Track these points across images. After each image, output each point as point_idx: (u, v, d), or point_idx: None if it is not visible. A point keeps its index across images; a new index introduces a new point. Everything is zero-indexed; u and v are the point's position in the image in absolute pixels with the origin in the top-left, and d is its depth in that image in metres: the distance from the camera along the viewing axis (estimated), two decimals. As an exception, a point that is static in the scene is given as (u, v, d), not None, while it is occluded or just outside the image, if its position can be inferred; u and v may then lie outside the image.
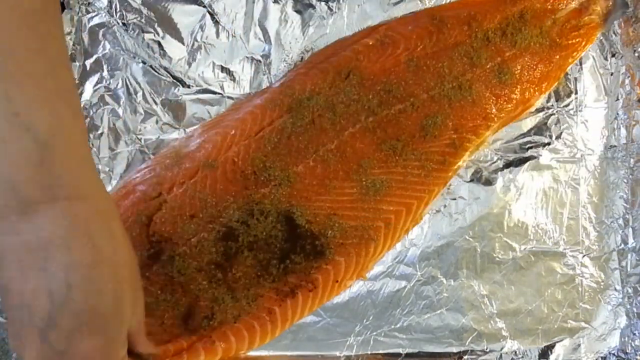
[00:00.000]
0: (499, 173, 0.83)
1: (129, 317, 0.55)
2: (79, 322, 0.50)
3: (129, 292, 0.54)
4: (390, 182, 0.78)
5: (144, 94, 0.82)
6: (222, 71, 0.83)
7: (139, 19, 0.83)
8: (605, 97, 0.85)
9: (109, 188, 0.80)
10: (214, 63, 0.83)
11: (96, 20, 0.83)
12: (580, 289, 0.82)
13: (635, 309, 0.81)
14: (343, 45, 0.83)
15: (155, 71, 0.83)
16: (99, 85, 0.82)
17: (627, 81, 0.85)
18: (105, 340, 0.53)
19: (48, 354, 0.51)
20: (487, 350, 0.80)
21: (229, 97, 0.83)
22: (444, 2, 0.86)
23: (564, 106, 0.85)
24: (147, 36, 0.83)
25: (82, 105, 0.81)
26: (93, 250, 0.51)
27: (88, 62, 0.82)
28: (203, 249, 0.74)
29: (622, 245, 0.82)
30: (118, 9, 0.83)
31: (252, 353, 0.78)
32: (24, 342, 0.51)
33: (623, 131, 0.84)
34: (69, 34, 0.82)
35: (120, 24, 0.83)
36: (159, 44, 0.83)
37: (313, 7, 0.85)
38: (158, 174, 0.77)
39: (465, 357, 0.79)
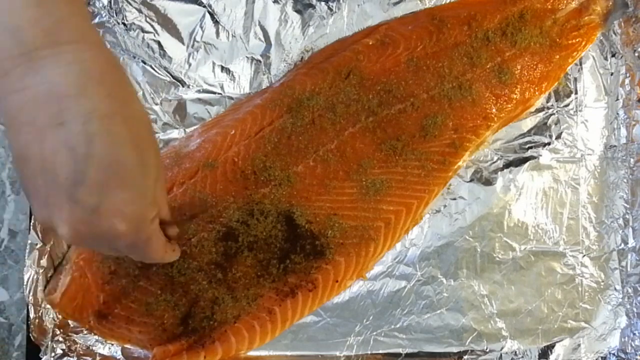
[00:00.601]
0: (499, 173, 0.83)
1: (155, 175, 0.52)
2: (106, 174, 0.47)
3: (150, 147, 0.51)
4: (390, 182, 0.78)
5: (144, 94, 0.82)
6: (222, 71, 0.83)
7: (139, 19, 0.83)
8: (605, 97, 0.85)
9: (109, 188, 0.80)
10: (214, 63, 0.83)
11: (96, 20, 0.83)
12: (580, 289, 0.82)
13: (635, 309, 0.80)
14: (343, 45, 0.83)
15: (155, 71, 0.83)
16: (99, 85, 0.82)
17: (627, 81, 0.85)
18: (135, 193, 0.49)
19: (80, 214, 0.48)
20: (487, 350, 0.80)
21: (229, 97, 0.83)
22: (444, 2, 0.86)
23: (564, 106, 0.85)
24: (147, 36, 0.83)
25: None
26: (108, 99, 0.47)
27: (88, 62, 0.82)
28: (203, 249, 0.74)
29: (622, 245, 0.82)
30: (118, 9, 0.83)
31: (252, 353, 0.78)
32: (52, 210, 0.48)
33: (623, 131, 0.84)
34: (69, 34, 0.82)
35: (120, 24, 0.83)
36: (159, 44, 0.83)
37: (313, 7, 0.85)
38: (158, 174, 0.77)
39: (465, 357, 0.79)
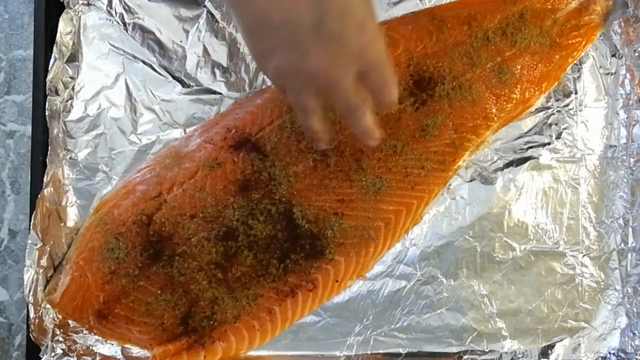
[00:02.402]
0: (499, 173, 0.83)
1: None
2: (341, 5, 0.54)
3: None
4: (390, 182, 0.78)
5: (144, 94, 0.82)
6: (222, 71, 0.83)
7: (139, 19, 0.83)
8: (605, 97, 0.85)
9: (109, 188, 0.80)
10: (214, 63, 0.83)
11: (96, 20, 0.83)
12: (580, 288, 0.82)
13: (635, 309, 0.81)
14: (343, 45, 0.83)
15: (155, 71, 0.83)
16: (99, 85, 0.82)
17: (627, 81, 0.85)
18: (364, 14, 0.57)
19: (328, 44, 0.55)
20: (487, 350, 0.80)
21: (228, 97, 0.83)
22: (444, 2, 0.86)
23: (564, 106, 0.85)
24: (147, 36, 0.83)
25: (82, 105, 0.81)
26: None
27: (88, 62, 0.82)
28: (203, 249, 0.74)
29: (622, 245, 0.82)
30: (118, 9, 0.83)
31: (252, 353, 0.78)
32: (302, 51, 0.56)
33: (623, 131, 0.84)
34: (68, 34, 0.82)
35: (120, 24, 0.83)
36: (159, 43, 0.83)
37: (313, 7, 0.85)
38: (158, 174, 0.77)
39: (465, 357, 0.79)
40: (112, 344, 0.77)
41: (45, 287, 0.76)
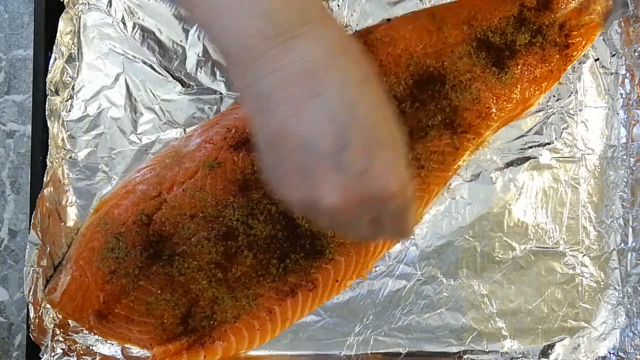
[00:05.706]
0: (499, 173, 0.83)
1: (401, 134, 0.52)
2: (369, 136, 0.48)
3: (391, 107, 0.52)
4: (390, 182, 0.78)
5: (144, 94, 0.82)
6: (222, 71, 0.83)
7: (139, 19, 0.83)
8: (605, 97, 0.85)
9: (109, 188, 0.80)
10: (214, 63, 0.83)
11: (96, 20, 0.83)
12: (580, 288, 0.82)
13: (635, 309, 0.81)
14: (343, 45, 0.83)
15: (155, 71, 0.83)
16: (98, 85, 0.82)
17: (627, 81, 0.85)
18: (397, 153, 0.50)
19: (348, 179, 0.48)
20: (487, 350, 0.80)
21: (228, 97, 0.83)
22: (443, 2, 0.86)
23: (563, 106, 0.85)
24: (147, 36, 0.83)
25: (82, 105, 0.81)
26: (357, 66, 0.49)
27: (88, 62, 0.82)
28: (203, 249, 0.74)
29: (622, 245, 0.82)
30: (118, 9, 0.83)
31: (252, 353, 0.78)
32: (313, 183, 0.48)
33: (623, 131, 0.84)
34: (68, 33, 0.82)
35: (120, 24, 0.83)
36: (159, 43, 0.83)
37: (313, 7, 0.85)
38: (158, 173, 0.77)
39: (465, 356, 0.79)
40: (112, 344, 0.77)
41: (45, 287, 0.76)
